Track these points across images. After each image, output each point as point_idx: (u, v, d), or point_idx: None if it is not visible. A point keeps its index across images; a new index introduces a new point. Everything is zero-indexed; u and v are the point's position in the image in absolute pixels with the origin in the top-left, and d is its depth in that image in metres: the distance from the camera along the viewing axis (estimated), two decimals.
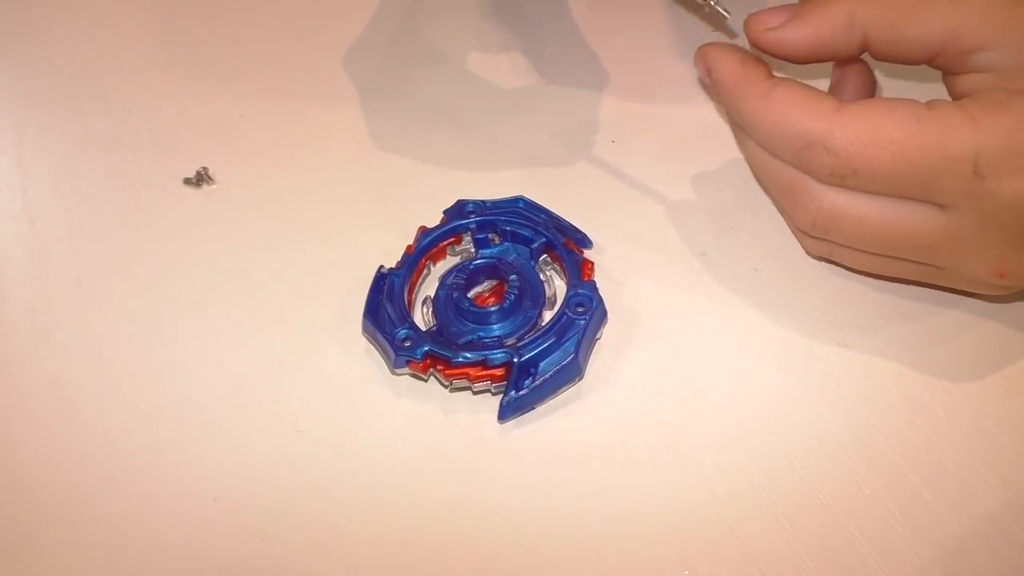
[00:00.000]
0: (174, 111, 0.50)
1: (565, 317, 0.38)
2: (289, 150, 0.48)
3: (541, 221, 0.41)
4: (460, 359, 0.37)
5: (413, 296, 0.41)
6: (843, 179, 0.33)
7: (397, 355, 0.38)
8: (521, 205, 0.42)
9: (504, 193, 0.43)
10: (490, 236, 0.42)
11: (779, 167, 0.35)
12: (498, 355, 0.37)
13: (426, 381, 0.39)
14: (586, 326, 0.38)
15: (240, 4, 0.54)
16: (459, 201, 0.43)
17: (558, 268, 0.41)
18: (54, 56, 0.53)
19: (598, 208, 0.44)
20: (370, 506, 0.37)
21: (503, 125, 0.48)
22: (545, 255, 0.41)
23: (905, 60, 0.35)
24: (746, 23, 0.36)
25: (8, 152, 0.49)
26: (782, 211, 0.40)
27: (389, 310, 0.39)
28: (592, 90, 0.49)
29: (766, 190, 0.41)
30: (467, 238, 0.42)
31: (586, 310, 0.38)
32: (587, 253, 0.42)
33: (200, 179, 0.47)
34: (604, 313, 0.39)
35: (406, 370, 0.38)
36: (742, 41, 0.38)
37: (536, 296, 0.40)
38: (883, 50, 0.34)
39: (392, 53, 0.51)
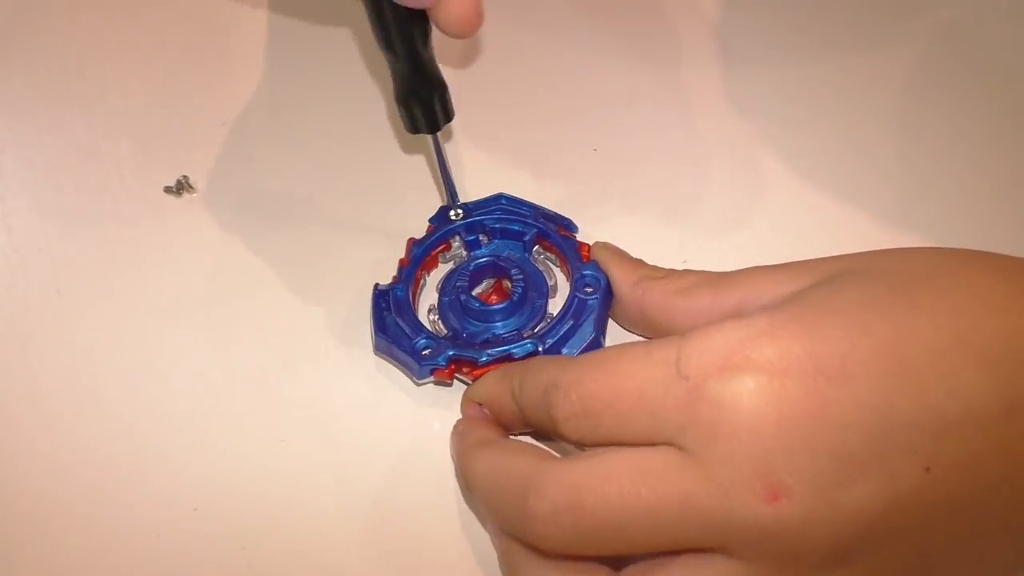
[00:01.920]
0: (155, 120, 0.50)
1: (576, 300, 0.38)
2: (270, 158, 0.48)
3: (527, 214, 0.42)
4: (485, 358, 0.37)
5: (415, 308, 0.41)
6: (579, 423, 0.30)
7: (421, 365, 0.38)
8: (503, 202, 0.42)
9: (481, 195, 0.43)
10: (480, 236, 0.42)
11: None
12: (522, 347, 0.37)
13: (450, 386, 0.39)
14: (599, 304, 0.38)
15: (221, 13, 0.54)
16: (442, 207, 0.43)
17: (553, 256, 0.41)
18: (34, 65, 0.53)
19: (578, 213, 0.43)
20: (355, 516, 0.37)
21: (477, 132, 0.47)
22: (538, 246, 0.42)
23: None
24: None
25: None
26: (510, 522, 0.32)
27: (401, 324, 0.39)
28: (573, 98, 0.49)
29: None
30: (457, 242, 0.42)
31: (595, 289, 0.38)
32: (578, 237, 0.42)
33: (180, 187, 0.47)
34: (610, 291, 0.39)
35: (430, 379, 0.38)
36: None
37: (539, 286, 0.40)
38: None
39: (376, 59, 0.51)
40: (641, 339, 0.39)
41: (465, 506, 0.36)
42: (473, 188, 0.44)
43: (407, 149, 0.47)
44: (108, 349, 0.41)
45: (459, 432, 0.36)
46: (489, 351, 0.37)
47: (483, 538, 0.35)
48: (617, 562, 0.30)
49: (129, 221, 0.46)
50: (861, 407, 0.27)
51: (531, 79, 0.50)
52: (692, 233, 0.43)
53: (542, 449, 0.31)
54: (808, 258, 0.34)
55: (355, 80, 0.50)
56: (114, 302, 0.43)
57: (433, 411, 0.39)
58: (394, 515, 0.36)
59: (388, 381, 0.40)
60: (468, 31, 0.35)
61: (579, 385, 0.30)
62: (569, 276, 0.40)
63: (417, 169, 0.46)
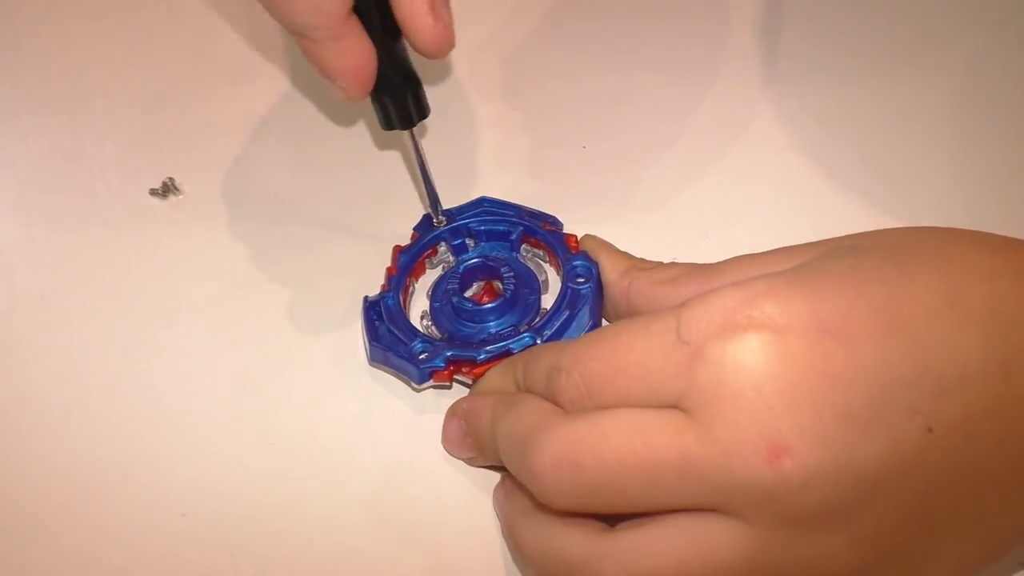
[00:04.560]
0: (139, 122, 0.49)
1: (570, 290, 0.38)
2: (256, 160, 0.47)
3: (511, 214, 0.42)
4: (483, 355, 0.37)
5: (407, 315, 0.40)
6: (584, 403, 0.30)
7: (420, 369, 0.37)
8: (486, 204, 0.43)
9: (469, 198, 0.43)
10: (465, 240, 0.42)
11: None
12: (520, 341, 0.37)
13: (450, 388, 0.39)
14: (592, 293, 0.38)
15: (206, 15, 0.54)
16: (426, 214, 0.43)
17: (542, 252, 0.41)
18: (16, 69, 0.52)
19: (566, 211, 0.43)
20: (347, 522, 0.36)
21: (460, 133, 0.47)
22: (525, 243, 0.42)
23: None
24: None
25: None
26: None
27: (395, 331, 0.39)
28: (562, 97, 0.49)
29: None
30: (443, 247, 0.42)
31: (587, 279, 0.39)
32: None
33: (166, 190, 0.46)
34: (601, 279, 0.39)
35: (429, 384, 0.38)
36: None
37: (530, 282, 0.40)
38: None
39: None
40: None
41: (461, 511, 0.36)
42: (458, 192, 0.44)
43: (392, 154, 0.47)
44: (94, 353, 0.41)
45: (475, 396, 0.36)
46: (487, 348, 0.37)
47: (480, 544, 0.35)
48: (620, 520, 0.30)
49: (114, 224, 0.45)
50: (864, 366, 0.27)
51: (516, 77, 0.50)
52: (682, 230, 0.43)
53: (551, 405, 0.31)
54: None
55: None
56: (99, 306, 0.43)
57: (428, 417, 0.38)
58: (387, 521, 0.36)
59: (381, 388, 0.39)
60: (439, 53, 0.36)
61: (580, 364, 0.30)
62: (559, 269, 0.40)
63: (403, 174, 0.46)
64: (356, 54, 0.36)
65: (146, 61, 0.52)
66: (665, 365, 0.28)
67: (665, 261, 0.38)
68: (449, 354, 0.37)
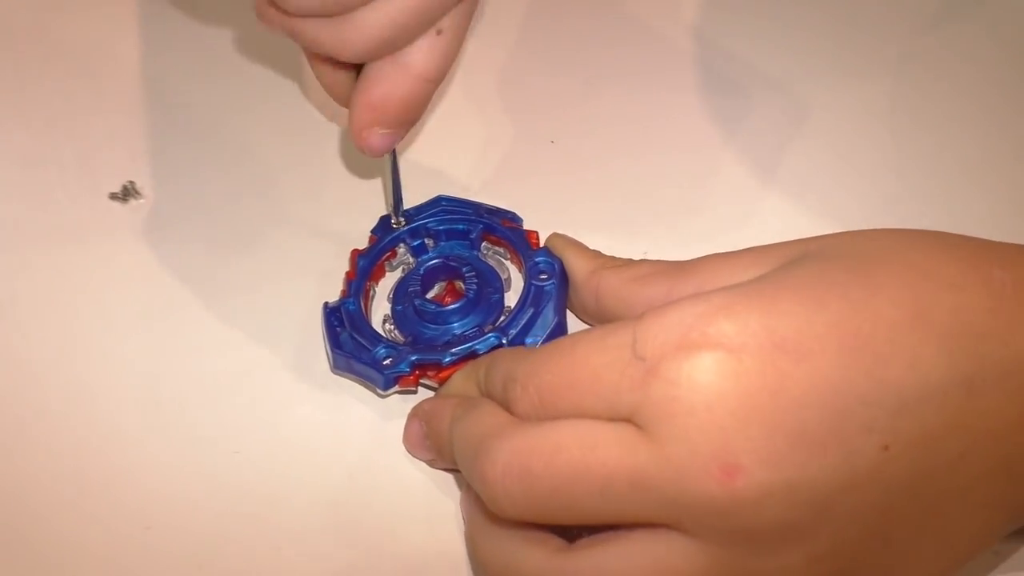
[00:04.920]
0: (99, 123, 0.48)
1: (533, 288, 0.38)
2: (219, 163, 0.47)
3: (470, 212, 0.42)
4: (449, 358, 0.36)
5: (369, 320, 0.40)
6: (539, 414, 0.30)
7: (384, 375, 0.37)
8: (444, 203, 0.42)
9: (419, 201, 0.43)
10: (425, 241, 0.42)
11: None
12: (486, 341, 0.37)
13: (415, 393, 0.38)
14: (556, 289, 0.38)
15: (169, 13, 0.53)
16: (383, 217, 0.42)
17: (502, 249, 0.41)
18: None
19: (531, 207, 0.43)
20: (313, 528, 0.36)
21: (413, 129, 0.47)
22: (485, 241, 0.41)
23: None
24: None
25: None
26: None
27: (357, 337, 0.38)
28: (529, 90, 0.48)
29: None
30: (402, 249, 0.42)
31: (550, 275, 0.38)
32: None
33: (127, 194, 0.45)
34: (566, 276, 0.38)
35: (395, 389, 0.37)
36: None
37: (493, 281, 0.40)
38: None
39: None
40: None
41: (429, 518, 0.36)
42: (416, 191, 0.43)
43: (347, 154, 0.46)
44: (52, 363, 0.40)
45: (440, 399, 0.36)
46: (452, 351, 0.37)
47: (447, 551, 0.35)
48: (574, 531, 0.30)
49: (72, 230, 0.44)
50: (818, 384, 0.27)
51: (479, 70, 0.49)
52: (650, 228, 0.43)
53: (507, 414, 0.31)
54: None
55: (303, 82, 0.49)
56: (57, 314, 0.42)
57: (394, 422, 0.38)
58: (355, 528, 0.36)
59: (346, 395, 0.39)
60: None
61: (535, 376, 0.30)
62: (521, 266, 0.40)
63: (363, 173, 0.46)
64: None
65: (106, 60, 0.51)
66: (620, 380, 0.28)
67: (634, 259, 0.38)
68: (414, 358, 0.37)
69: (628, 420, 0.28)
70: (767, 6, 0.50)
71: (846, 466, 0.27)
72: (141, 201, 0.45)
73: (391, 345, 0.38)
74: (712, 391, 0.27)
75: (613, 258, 0.38)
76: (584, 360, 0.29)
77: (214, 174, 0.46)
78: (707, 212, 0.43)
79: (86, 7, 0.53)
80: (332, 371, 0.39)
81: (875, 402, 0.27)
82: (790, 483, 0.26)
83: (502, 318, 0.39)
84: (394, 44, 0.34)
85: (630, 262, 0.37)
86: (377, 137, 0.36)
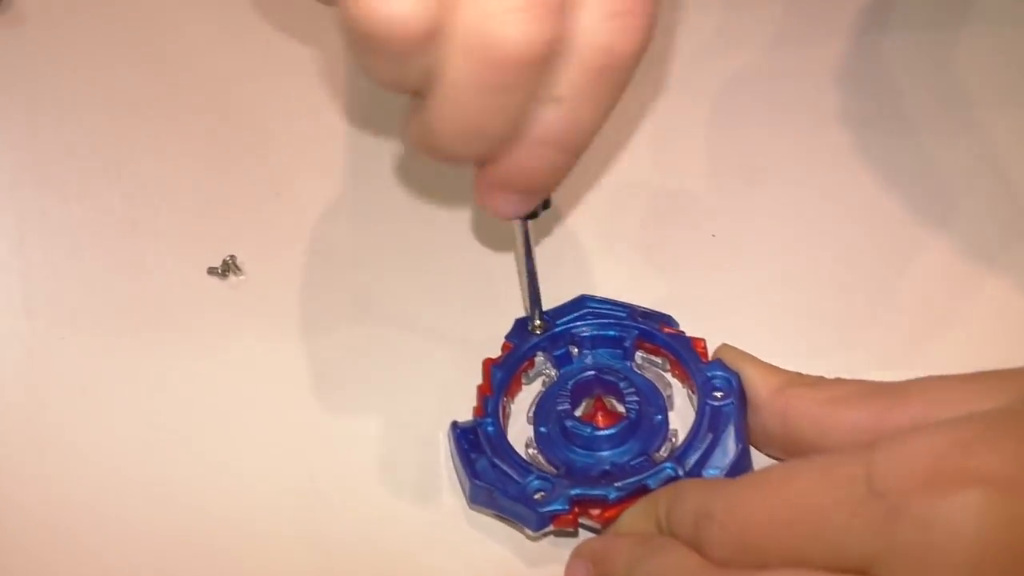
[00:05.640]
0: (198, 190, 0.45)
1: (708, 408, 0.33)
2: (329, 240, 0.42)
3: (623, 315, 0.37)
4: (615, 494, 0.31)
5: (511, 444, 0.35)
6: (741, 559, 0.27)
7: (539, 513, 0.31)
8: (590, 304, 0.37)
9: (555, 302, 0.37)
10: (569, 349, 0.37)
11: None
12: (660, 474, 0.31)
13: (576, 535, 0.33)
14: (736, 411, 0.33)
15: (270, 69, 0.49)
16: (519, 319, 0.37)
17: (661, 360, 0.36)
18: (63, 130, 0.48)
19: (687, 311, 0.37)
20: None
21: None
22: (640, 351, 0.36)
23: None
24: None
25: (7, 235, 0.44)
26: None
27: (501, 466, 0.33)
28: (687, 174, 0.43)
29: None
30: (541, 358, 0.37)
31: (727, 393, 0.33)
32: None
33: (227, 269, 0.42)
34: (744, 395, 0.33)
35: (548, 529, 0.32)
36: None
37: (654, 398, 0.35)
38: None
39: None
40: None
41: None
42: (553, 290, 0.38)
43: (473, 244, 0.42)
44: (138, 458, 0.37)
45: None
46: (617, 484, 0.31)
47: None
48: None
49: (165, 307, 0.41)
50: None
51: (622, 148, 0.44)
52: (834, 339, 0.37)
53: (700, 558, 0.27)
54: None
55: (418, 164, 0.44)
56: (143, 400, 0.38)
57: (544, 569, 0.32)
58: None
59: (482, 534, 0.33)
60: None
61: (737, 513, 0.27)
62: (687, 382, 0.35)
63: (484, 271, 0.41)
64: None
65: (204, 121, 0.47)
66: (851, 521, 0.25)
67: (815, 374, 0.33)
68: (573, 493, 0.31)
69: (863, 572, 0.24)
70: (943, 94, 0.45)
71: None
72: (242, 278, 0.42)
73: (544, 476, 0.32)
74: (978, 537, 0.23)
75: (800, 375, 0.33)
76: (803, 495, 0.26)
77: (324, 253, 0.42)
78: (901, 319, 0.37)
79: (189, 55, 0.50)
80: (469, 505, 0.34)
81: None
82: None
83: (666, 443, 0.34)
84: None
85: (822, 380, 0.32)
86: (504, 202, 0.31)
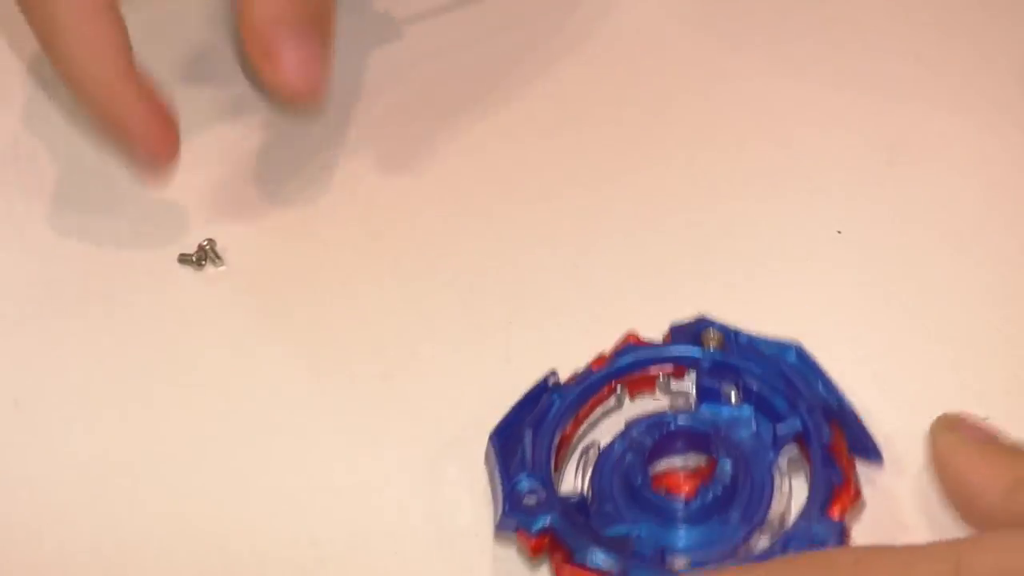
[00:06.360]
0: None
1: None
2: (324, 222, 0.39)
3: (813, 393, 0.30)
4: (588, 559, 0.27)
5: (575, 434, 0.31)
6: None
7: (508, 512, 0.28)
8: (792, 359, 0.31)
9: (777, 328, 0.32)
10: (726, 388, 0.30)
11: None
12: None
13: (536, 566, 0.29)
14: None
15: None
16: (701, 319, 0.32)
17: (808, 473, 0.29)
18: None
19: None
20: None
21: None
22: (796, 446, 0.29)
23: None
24: None
25: None
26: None
27: (526, 443, 0.29)
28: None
29: None
30: (691, 377, 0.31)
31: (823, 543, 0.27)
32: (866, 472, 0.29)
33: (202, 257, 0.38)
34: None
35: (511, 536, 0.29)
36: None
37: (756, 503, 0.28)
38: None
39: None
40: None
41: None
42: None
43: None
44: (118, 466, 0.33)
45: None
46: (601, 553, 0.27)
47: None
48: None
49: (127, 300, 0.37)
50: None
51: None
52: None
53: None
54: None
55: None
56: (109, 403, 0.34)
57: None
58: None
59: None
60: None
61: None
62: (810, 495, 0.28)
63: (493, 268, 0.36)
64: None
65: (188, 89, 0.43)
66: None
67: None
68: (548, 521, 0.27)
69: None
70: None
71: None
72: (221, 268, 0.38)
73: (548, 483, 0.28)
74: None
75: None
76: None
77: (314, 235, 0.38)
78: None
79: (183, 37, 0.45)
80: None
81: None
82: None
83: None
84: None
85: None
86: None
